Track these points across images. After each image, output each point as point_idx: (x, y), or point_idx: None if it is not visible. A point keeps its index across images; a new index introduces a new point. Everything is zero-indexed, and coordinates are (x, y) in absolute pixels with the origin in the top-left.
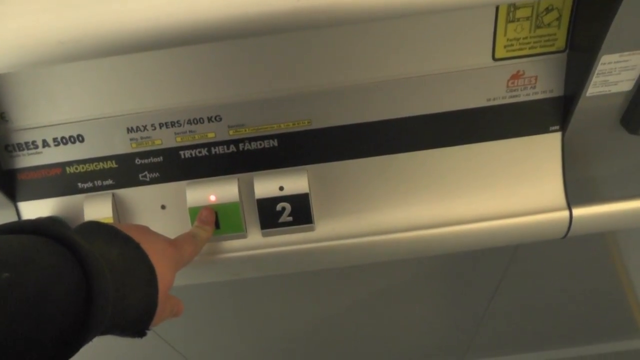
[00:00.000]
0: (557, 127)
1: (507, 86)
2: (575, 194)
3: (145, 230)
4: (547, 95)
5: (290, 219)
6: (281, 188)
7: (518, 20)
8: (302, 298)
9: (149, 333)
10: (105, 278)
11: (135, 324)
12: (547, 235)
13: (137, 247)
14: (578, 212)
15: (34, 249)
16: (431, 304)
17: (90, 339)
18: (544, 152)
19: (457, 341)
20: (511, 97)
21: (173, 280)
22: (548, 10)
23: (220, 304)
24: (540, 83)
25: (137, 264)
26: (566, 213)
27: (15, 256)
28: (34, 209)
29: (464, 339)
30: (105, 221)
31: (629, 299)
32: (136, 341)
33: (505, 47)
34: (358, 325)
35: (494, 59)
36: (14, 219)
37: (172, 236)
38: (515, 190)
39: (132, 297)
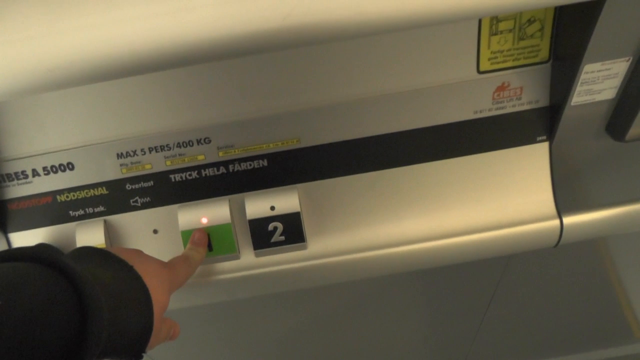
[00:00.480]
0: (544, 137)
1: (493, 98)
2: (564, 202)
3: (138, 253)
4: (533, 105)
5: (283, 238)
6: (272, 208)
7: (501, 32)
8: (296, 315)
9: (145, 357)
10: (100, 301)
11: (131, 346)
12: (538, 245)
13: (130, 270)
14: (568, 220)
15: (26, 276)
16: (426, 317)
17: None
18: (532, 162)
19: (453, 353)
20: (497, 109)
21: (168, 301)
22: (530, 21)
23: (215, 326)
24: (526, 94)
25: (131, 286)
26: (557, 222)
27: (7, 283)
28: (25, 239)
29: (459, 351)
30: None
31: (622, 304)
32: None
33: (489, 59)
34: (352, 340)
35: (478, 71)
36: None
37: (165, 260)
38: (505, 201)
39: (128, 319)
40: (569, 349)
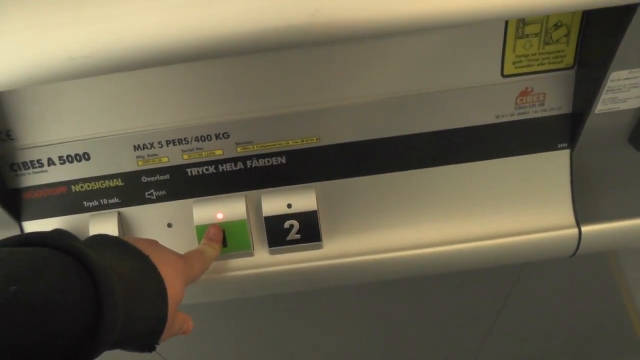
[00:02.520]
0: (565, 145)
1: (516, 103)
2: (584, 211)
3: (155, 243)
4: (556, 112)
5: (298, 236)
6: (289, 205)
7: (527, 36)
8: (308, 315)
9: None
10: (116, 290)
11: (145, 337)
12: (555, 254)
13: (146, 260)
14: (587, 229)
15: (42, 262)
16: (436, 321)
17: (100, 352)
18: (552, 169)
19: (463, 357)
20: (520, 114)
21: (183, 294)
22: (557, 26)
23: (227, 323)
24: (549, 100)
25: (147, 276)
26: (575, 231)
27: (23, 269)
28: (38, 228)
29: (469, 356)
30: None
31: (632, 318)
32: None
33: (514, 63)
34: (362, 343)
35: (502, 75)
36: None
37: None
38: (523, 208)
39: (142, 309)
40: (577, 358)
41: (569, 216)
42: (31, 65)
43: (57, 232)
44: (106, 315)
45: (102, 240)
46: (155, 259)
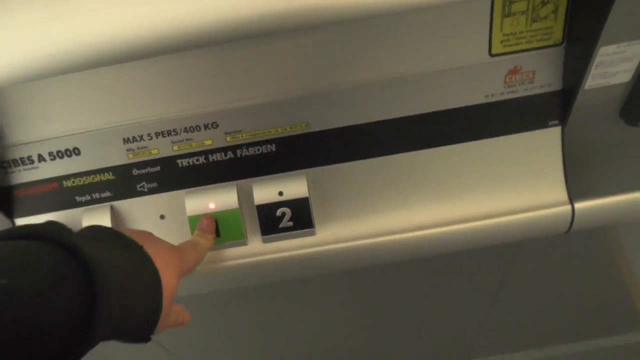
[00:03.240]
0: (556, 122)
1: (505, 82)
2: (576, 188)
3: (149, 234)
4: (546, 89)
5: (291, 224)
6: (280, 193)
7: (514, 14)
8: (304, 303)
9: (152, 343)
10: (109, 282)
11: (140, 328)
12: (550, 231)
13: (140, 250)
14: (580, 206)
15: (33, 254)
16: (434, 303)
17: (95, 344)
18: (544, 147)
19: (460, 339)
20: (509, 92)
21: (177, 285)
22: (544, 3)
23: (224, 313)
24: (538, 77)
25: (141, 267)
26: (568, 208)
27: (14, 262)
28: None
29: (467, 337)
30: None
31: (631, 292)
32: (138, 352)
33: (501, 42)
34: (359, 327)
35: (490, 54)
36: None
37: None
38: (516, 187)
39: (137, 301)
40: (576, 336)
41: (561, 193)
42: (10, 64)
43: (49, 224)
44: (100, 307)
45: (96, 231)
46: (150, 250)
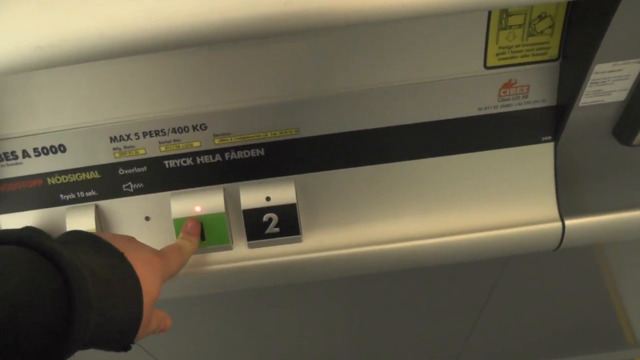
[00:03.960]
0: (549, 137)
1: (499, 95)
2: (567, 205)
3: (131, 240)
4: (540, 104)
5: (277, 230)
6: (268, 198)
7: (510, 27)
8: (288, 311)
9: (134, 347)
10: (87, 289)
11: (119, 337)
12: (539, 247)
13: (121, 257)
14: (571, 223)
15: (9, 260)
16: (420, 315)
17: (73, 352)
18: (536, 162)
19: (446, 352)
20: (503, 106)
21: (159, 291)
22: (541, 17)
23: (207, 317)
24: (533, 92)
25: (121, 274)
26: (559, 224)
27: None
28: (14, 222)
29: (453, 350)
30: None
31: (616, 310)
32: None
33: (497, 55)
34: (344, 337)
35: (485, 67)
36: None
37: (157, 248)
38: (507, 201)
39: (116, 308)
40: (561, 352)
41: (552, 209)
42: None
43: (27, 230)
44: (78, 315)
45: (77, 237)
46: (131, 256)
